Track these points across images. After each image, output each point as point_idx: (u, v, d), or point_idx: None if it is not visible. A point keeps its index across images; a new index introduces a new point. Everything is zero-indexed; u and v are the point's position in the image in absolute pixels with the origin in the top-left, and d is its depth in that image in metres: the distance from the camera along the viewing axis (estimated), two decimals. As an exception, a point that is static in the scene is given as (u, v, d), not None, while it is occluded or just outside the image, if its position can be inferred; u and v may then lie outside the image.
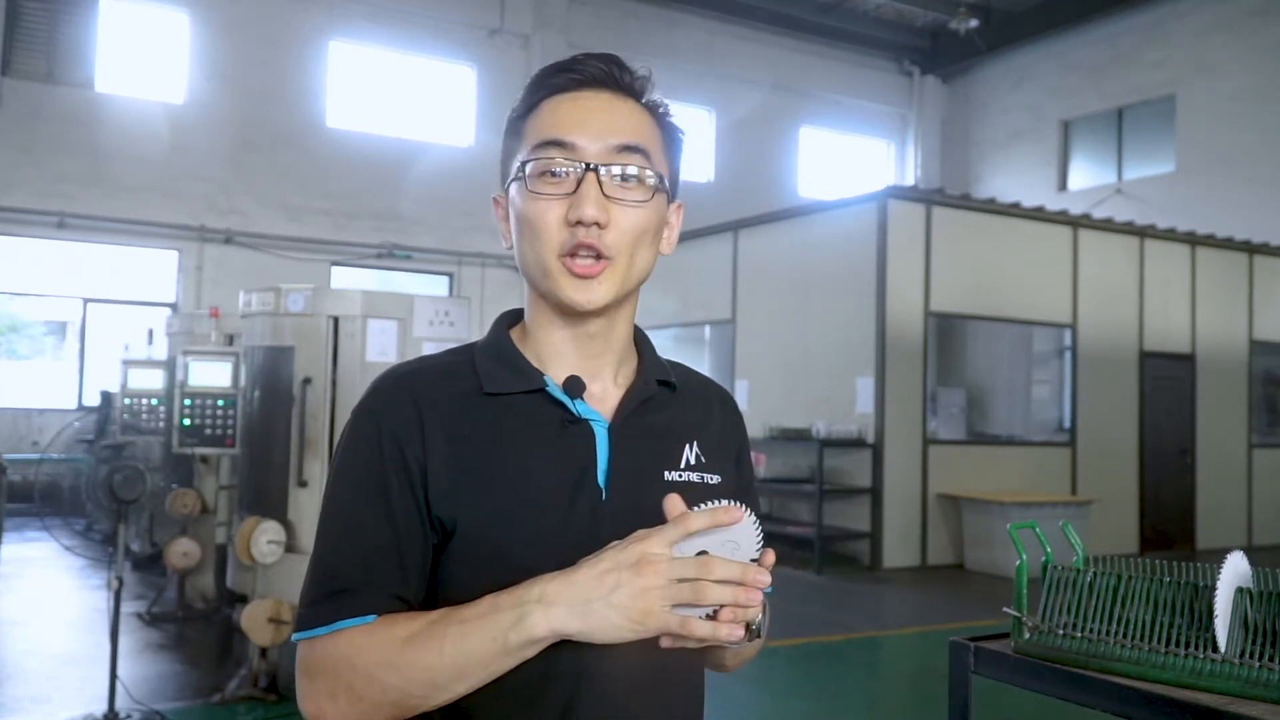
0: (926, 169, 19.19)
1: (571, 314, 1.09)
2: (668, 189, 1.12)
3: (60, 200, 12.54)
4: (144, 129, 13.06)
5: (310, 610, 1.03)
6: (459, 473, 1.05)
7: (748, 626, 0.98)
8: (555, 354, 1.12)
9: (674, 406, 1.18)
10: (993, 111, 18.65)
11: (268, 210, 13.81)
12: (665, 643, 0.93)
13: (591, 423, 1.10)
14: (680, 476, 1.13)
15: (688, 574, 0.90)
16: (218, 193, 13.52)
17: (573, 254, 1.05)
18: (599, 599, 0.91)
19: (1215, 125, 14.98)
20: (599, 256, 1.05)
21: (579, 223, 1.04)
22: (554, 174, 1.06)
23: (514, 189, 1.10)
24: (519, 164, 1.08)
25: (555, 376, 1.11)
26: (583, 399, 1.10)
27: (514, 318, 1.19)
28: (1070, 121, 17.40)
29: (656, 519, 1.08)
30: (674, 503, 0.95)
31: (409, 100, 15.08)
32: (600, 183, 1.05)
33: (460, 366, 1.12)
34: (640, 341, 1.20)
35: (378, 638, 0.98)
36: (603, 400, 1.13)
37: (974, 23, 16.45)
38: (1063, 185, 17.28)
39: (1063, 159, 17.48)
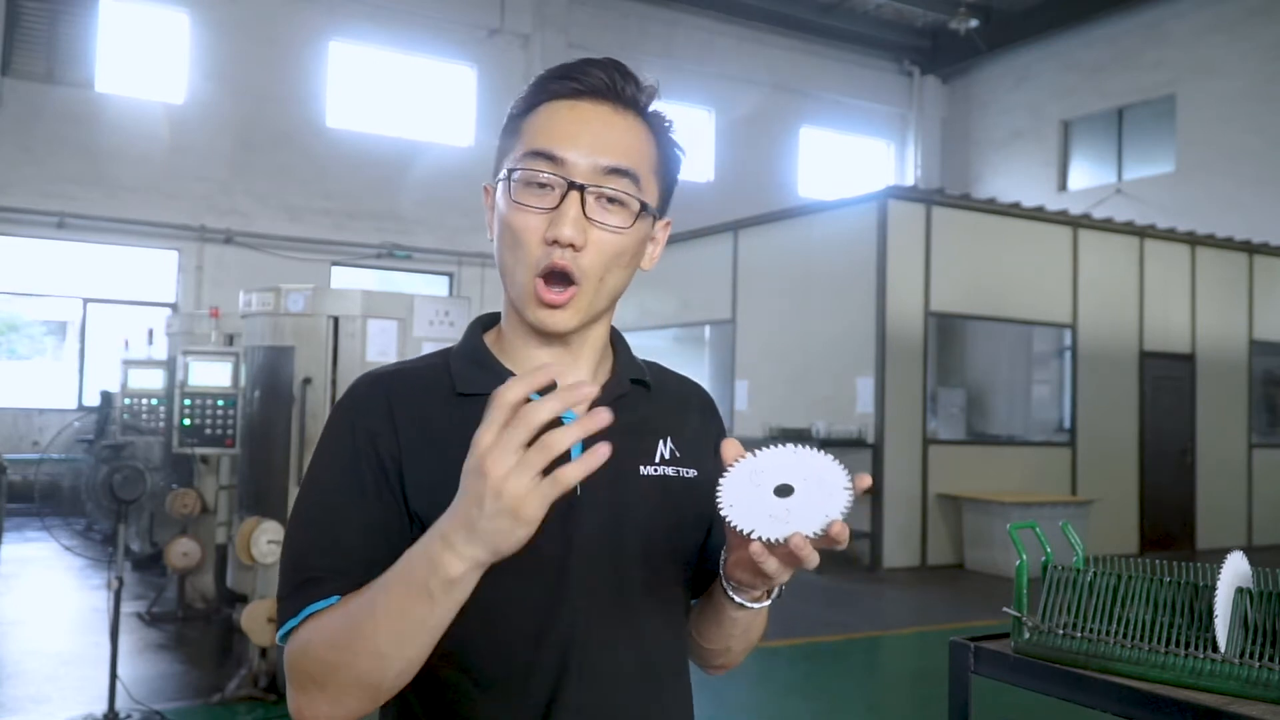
0: (926, 169, 19.18)
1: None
2: (654, 212, 1.12)
3: (60, 200, 12.54)
4: (144, 129, 13.06)
5: (282, 605, 1.03)
6: (431, 468, 1.06)
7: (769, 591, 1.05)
8: (529, 357, 1.13)
9: (648, 404, 1.19)
10: (993, 111, 18.65)
11: (268, 210, 13.81)
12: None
13: (564, 420, 1.10)
14: (655, 470, 1.14)
15: (521, 439, 0.85)
16: (218, 193, 13.52)
17: (546, 277, 1.06)
18: (478, 517, 0.86)
19: (1215, 125, 14.98)
20: (568, 282, 1.06)
21: (555, 241, 1.05)
22: (540, 184, 1.06)
23: (499, 190, 1.10)
24: (507, 170, 1.09)
25: None
26: None
27: (488, 322, 1.20)
28: (1070, 121, 17.40)
29: (633, 513, 1.11)
30: (729, 447, 0.98)
31: (409, 100, 15.07)
32: (584, 202, 1.05)
33: (435, 369, 1.14)
34: (616, 341, 1.22)
35: (325, 618, 0.98)
36: None
37: (974, 23, 16.45)
38: (1063, 185, 17.27)
39: (1063, 159, 17.48)
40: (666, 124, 1.13)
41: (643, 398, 1.19)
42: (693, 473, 1.17)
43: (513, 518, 0.85)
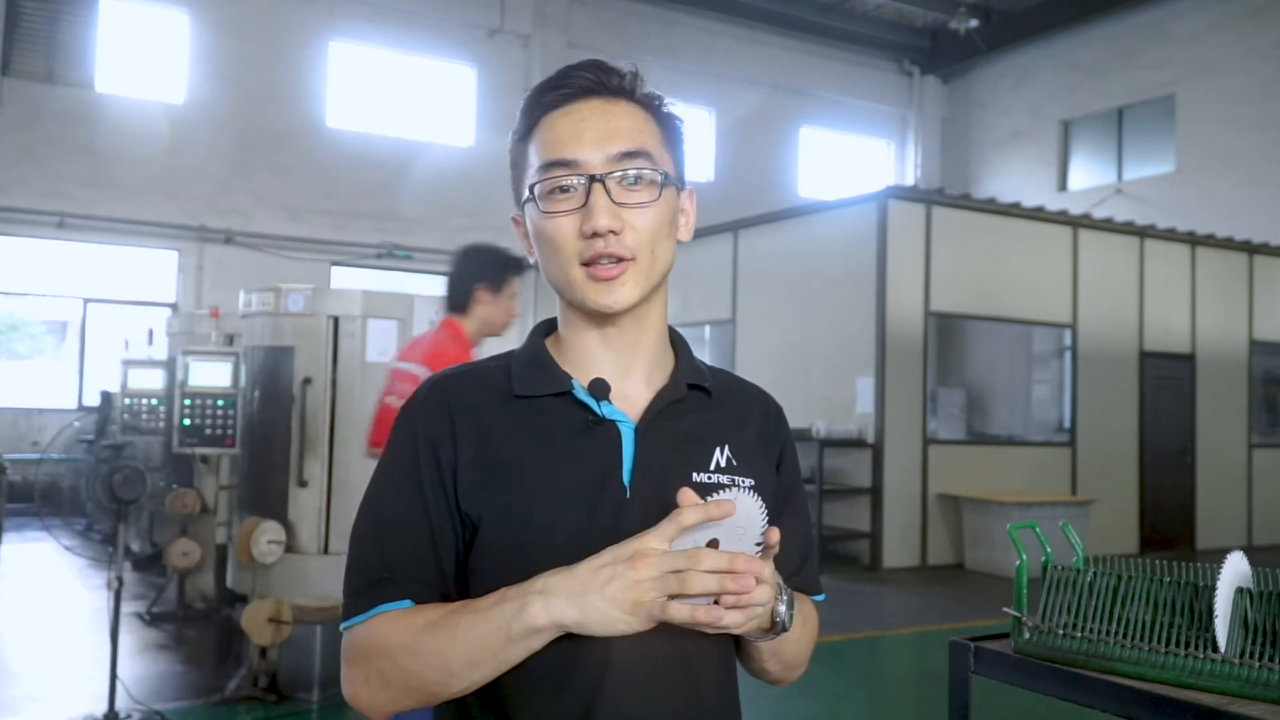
0: (926, 169, 19.18)
1: (600, 316, 1.13)
2: (675, 182, 1.15)
3: (60, 200, 12.53)
4: (144, 129, 13.06)
5: (352, 599, 1.10)
6: (484, 470, 1.10)
7: (772, 621, 1.03)
8: (587, 357, 1.16)
9: (707, 410, 1.20)
10: (993, 111, 18.65)
11: (268, 210, 13.80)
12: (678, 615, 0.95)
13: (618, 423, 1.12)
14: (710, 478, 1.15)
15: (679, 566, 0.93)
16: (218, 193, 13.52)
17: (593, 262, 1.09)
18: (594, 591, 0.95)
19: (1215, 125, 14.98)
20: (619, 259, 1.09)
21: (594, 234, 1.07)
22: (563, 189, 1.09)
23: (529, 210, 1.13)
24: (529, 187, 1.12)
25: (586, 380, 1.14)
26: (610, 400, 1.12)
27: (550, 327, 1.23)
28: (1070, 121, 17.39)
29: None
30: (685, 496, 0.99)
31: (409, 100, 15.07)
32: (608, 190, 1.08)
33: (496, 371, 1.18)
34: (677, 344, 1.24)
35: (403, 624, 1.05)
36: (633, 402, 1.15)
37: (974, 23, 16.45)
38: (1063, 185, 17.27)
39: (1063, 159, 17.48)
40: (658, 101, 1.16)
41: (703, 404, 1.20)
42: (749, 481, 1.17)
43: (625, 613, 0.94)
